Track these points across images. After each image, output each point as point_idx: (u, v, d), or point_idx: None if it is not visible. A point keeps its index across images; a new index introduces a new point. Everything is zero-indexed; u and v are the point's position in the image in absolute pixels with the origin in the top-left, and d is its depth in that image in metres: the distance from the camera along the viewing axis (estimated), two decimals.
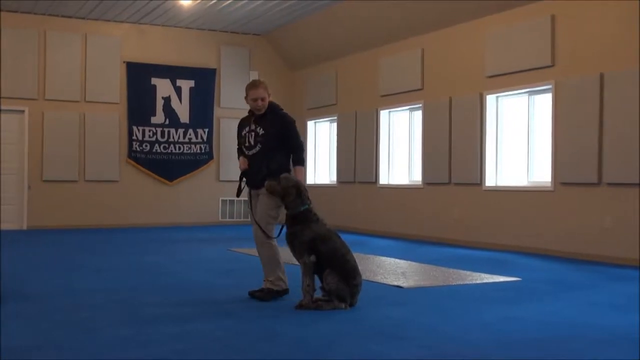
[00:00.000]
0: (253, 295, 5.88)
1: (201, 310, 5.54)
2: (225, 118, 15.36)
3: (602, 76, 8.98)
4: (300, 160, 5.98)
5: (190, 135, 15.15)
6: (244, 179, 6.04)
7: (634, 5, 8.64)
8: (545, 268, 8.31)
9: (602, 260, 8.86)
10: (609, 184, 8.91)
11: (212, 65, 15.45)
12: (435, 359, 4.11)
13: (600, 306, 5.80)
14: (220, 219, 15.52)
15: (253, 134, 5.96)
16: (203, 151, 15.28)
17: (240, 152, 6.12)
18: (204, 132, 15.28)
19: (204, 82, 15.31)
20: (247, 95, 5.97)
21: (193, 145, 15.18)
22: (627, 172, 8.64)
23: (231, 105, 15.17)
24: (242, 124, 6.16)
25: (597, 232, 9.06)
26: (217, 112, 15.44)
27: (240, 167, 6.02)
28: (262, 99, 5.90)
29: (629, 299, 6.17)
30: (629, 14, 8.72)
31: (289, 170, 5.91)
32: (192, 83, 15.20)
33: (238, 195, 6.10)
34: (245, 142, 6.00)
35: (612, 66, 8.91)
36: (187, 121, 15.13)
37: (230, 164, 15.53)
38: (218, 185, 15.44)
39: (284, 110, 6.08)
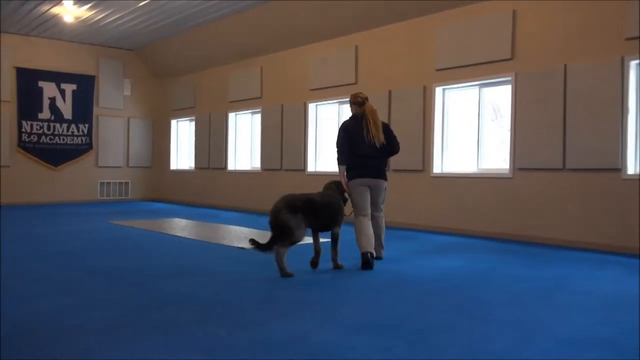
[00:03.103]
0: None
1: (81, 274, 5.21)
2: (103, 116, 14.57)
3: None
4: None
5: (72, 129, 14.17)
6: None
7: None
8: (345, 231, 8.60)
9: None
10: (396, 170, 9.42)
11: (92, 72, 14.49)
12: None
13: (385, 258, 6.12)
14: (98, 197, 14.67)
15: None
16: (84, 142, 14.35)
17: None
18: (85, 126, 14.34)
19: (85, 86, 14.35)
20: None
21: (75, 137, 14.22)
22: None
23: (108, 106, 14.69)
24: None
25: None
26: (96, 110, 14.53)
27: None
28: None
29: (404, 252, 6.58)
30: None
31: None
32: (74, 87, 14.19)
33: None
34: None
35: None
36: (70, 117, 14.14)
37: (107, 153, 14.72)
38: (97, 170, 14.63)
39: None
